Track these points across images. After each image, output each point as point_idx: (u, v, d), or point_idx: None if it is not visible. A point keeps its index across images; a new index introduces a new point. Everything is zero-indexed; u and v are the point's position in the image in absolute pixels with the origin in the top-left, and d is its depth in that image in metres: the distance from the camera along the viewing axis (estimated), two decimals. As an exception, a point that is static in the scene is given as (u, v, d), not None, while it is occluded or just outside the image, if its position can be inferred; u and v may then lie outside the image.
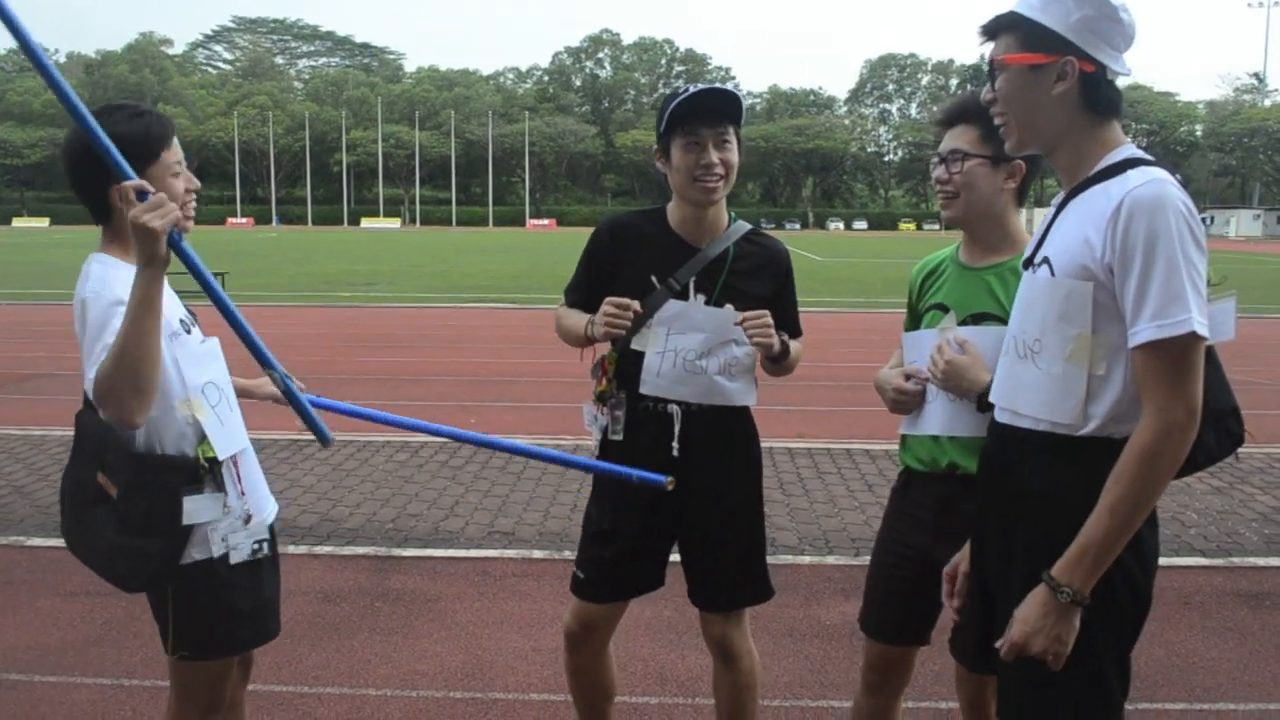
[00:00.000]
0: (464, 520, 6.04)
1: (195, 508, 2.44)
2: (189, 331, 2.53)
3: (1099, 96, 2.04)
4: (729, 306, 2.87)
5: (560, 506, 6.29)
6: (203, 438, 2.46)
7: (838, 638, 4.44)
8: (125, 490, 2.37)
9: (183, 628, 2.55)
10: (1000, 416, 2.20)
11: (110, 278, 2.42)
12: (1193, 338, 1.87)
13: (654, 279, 2.89)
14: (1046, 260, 2.08)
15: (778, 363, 2.94)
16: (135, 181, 2.20)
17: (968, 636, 2.65)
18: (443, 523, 5.98)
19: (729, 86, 2.90)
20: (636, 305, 2.77)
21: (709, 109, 2.81)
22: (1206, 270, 1.95)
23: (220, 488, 2.49)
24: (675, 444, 2.91)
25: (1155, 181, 1.92)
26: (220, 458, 2.48)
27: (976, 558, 2.32)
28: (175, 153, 2.47)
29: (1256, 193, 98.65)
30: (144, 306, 2.19)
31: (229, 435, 2.51)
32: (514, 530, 5.86)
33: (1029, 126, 2.10)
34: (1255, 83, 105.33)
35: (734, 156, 2.85)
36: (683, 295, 2.88)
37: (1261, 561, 5.46)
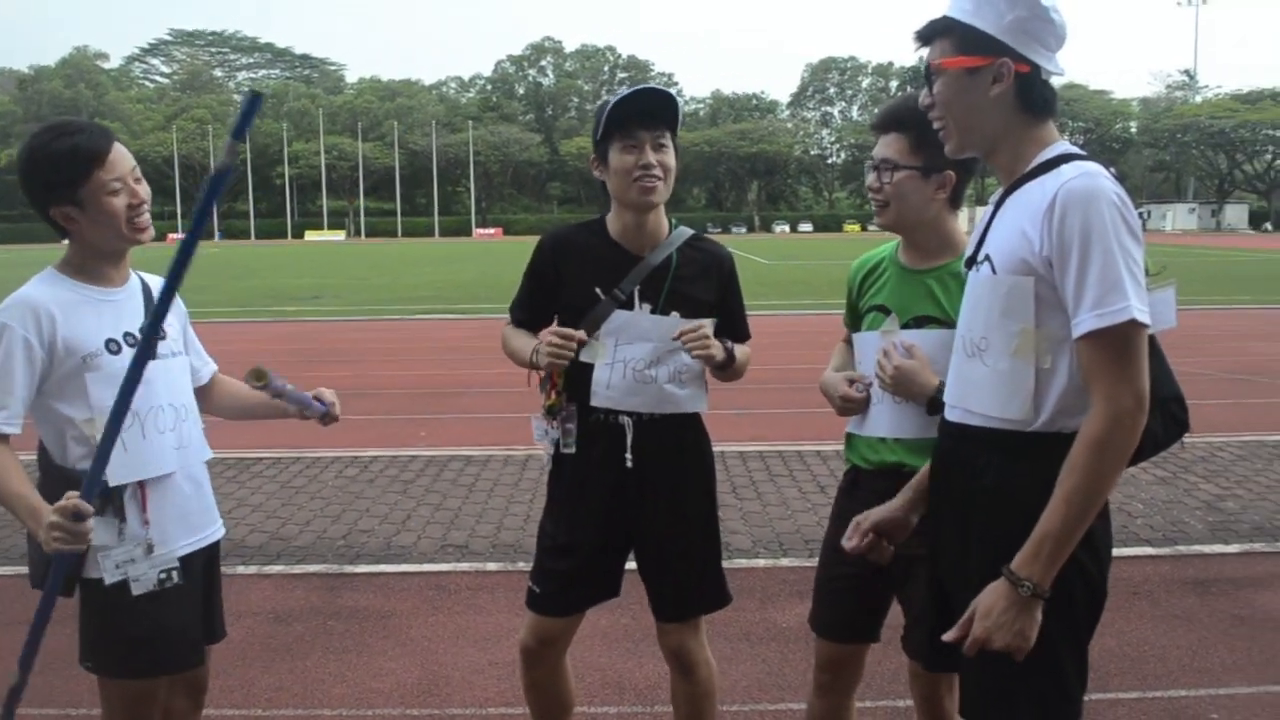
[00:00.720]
0: (416, 535, 5.98)
1: None
2: (116, 352, 2.48)
3: (1034, 96, 2.06)
4: (675, 314, 2.86)
5: (513, 518, 6.25)
6: None
7: (794, 640, 4.45)
8: (39, 489, 2.41)
9: (86, 640, 2.55)
10: (951, 415, 2.21)
11: (27, 299, 2.41)
12: (1133, 325, 1.88)
13: (598, 290, 2.87)
14: (988, 258, 2.10)
15: (724, 369, 2.93)
16: (72, 503, 2.25)
17: (922, 634, 2.66)
18: (394, 538, 5.92)
19: (665, 89, 2.89)
20: (581, 335, 2.75)
21: (644, 111, 2.79)
22: (1144, 260, 1.97)
23: (118, 513, 2.46)
24: (629, 455, 2.89)
25: (1087, 174, 1.94)
26: (111, 484, 2.43)
27: (932, 555, 2.33)
28: (113, 169, 2.41)
29: (1191, 187, 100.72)
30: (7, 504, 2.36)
31: (130, 462, 2.45)
32: (467, 544, 5.81)
33: (968, 129, 2.11)
34: (1187, 79, 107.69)
35: (671, 160, 2.84)
36: (628, 305, 2.86)
37: (1207, 549, 5.56)
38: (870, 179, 2.72)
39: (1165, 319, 2.06)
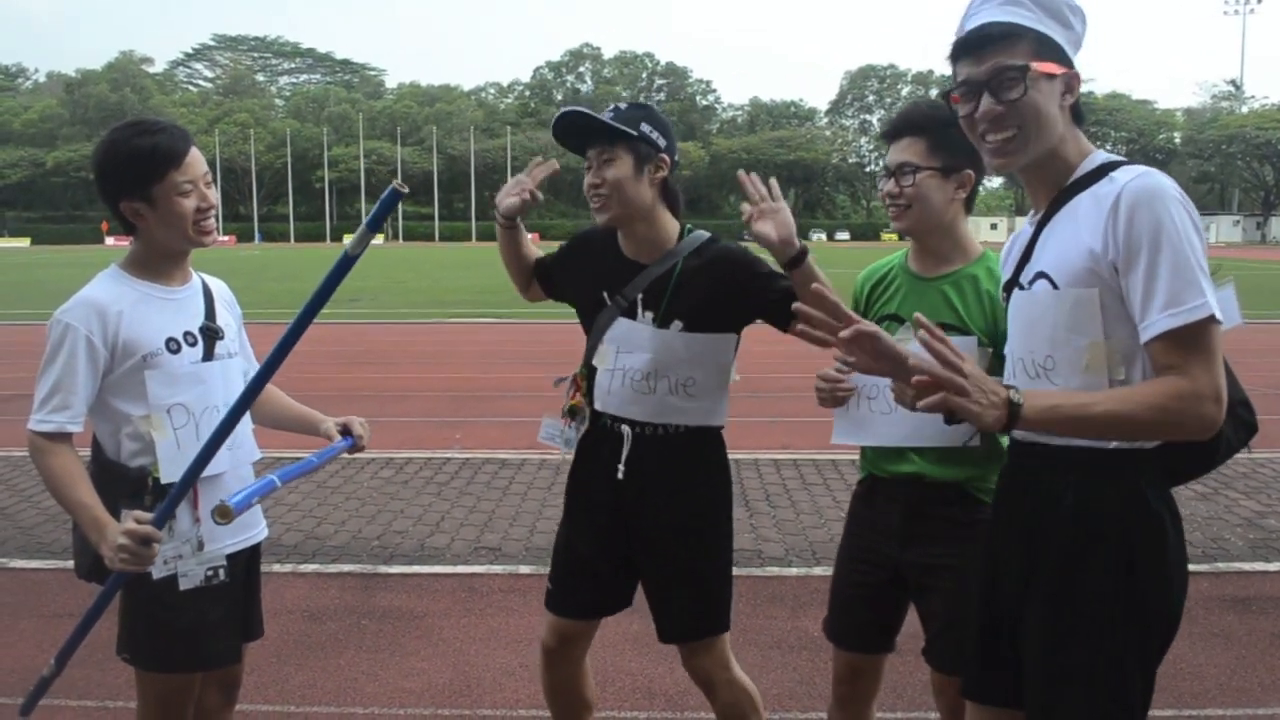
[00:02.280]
0: (450, 536, 6.01)
1: None
2: (176, 351, 2.53)
3: (1079, 106, 2.06)
4: (676, 325, 2.82)
5: (546, 521, 6.27)
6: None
7: (826, 649, 4.39)
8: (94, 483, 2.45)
9: (125, 631, 2.59)
10: (1020, 436, 2.12)
11: (91, 300, 2.44)
12: (1211, 321, 1.85)
13: (605, 295, 2.88)
14: (1043, 275, 2.05)
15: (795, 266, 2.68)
16: (145, 529, 2.31)
17: (946, 645, 2.65)
18: (428, 539, 5.95)
19: (619, 104, 2.85)
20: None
21: (579, 128, 2.80)
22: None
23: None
24: (621, 466, 2.87)
25: (1147, 173, 1.92)
26: (163, 480, 2.48)
27: (987, 580, 2.22)
28: (187, 171, 2.48)
29: (1235, 199, 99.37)
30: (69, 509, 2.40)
31: (184, 460, 2.48)
32: (500, 546, 5.84)
33: (1042, 136, 2.02)
34: (1232, 90, 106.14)
35: (619, 172, 2.76)
36: (630, 313, 2.86)
37: (1247, 566, 5.48)
38: (888, 186, 2.69)
39: (1232, 317, 2.00)
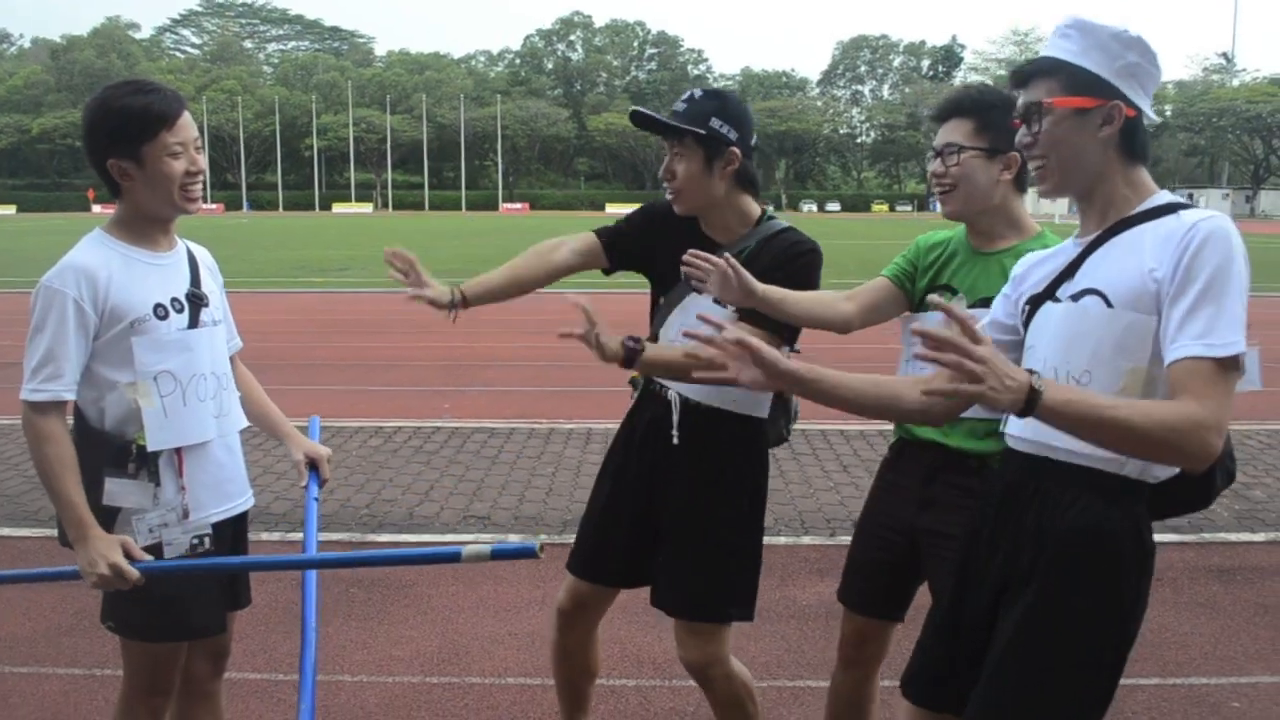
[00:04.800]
0: (439, 505, 6.01)
1: (118, 490, 2.44)
2: (164, 317, 2.50)
3: (1136, 141, 2.07)
4: (730, 308, 2.81)
5: (535, 491, 6.28)
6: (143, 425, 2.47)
7: (813, 618, 4.45)
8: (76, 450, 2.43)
9: (109, 600, 2.57)
10: (1020, 446, 2.14)
11: (79, 264, 2.42)
12: (1236, 362, 1.87)
13: (682, 270, 2.85)
14: (1095, 292, 2.04)
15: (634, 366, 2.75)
16: (134, 577, 2.36)
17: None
18: (417, 508, 5.96)
19: (695, 91, 2.85)
20: None
21: (641, 124, 2.83)
22: None
23: (153, 478, 2.48)
24: (675, 432, 2.88)
25: (1221, 217, 1.94)
26: (150, 449, 2.46)
27: (963, 584, 2.23)
28: (179, 133, 2.43)
29: (1225, 173, 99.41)
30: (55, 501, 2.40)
31: (170, 428, 2.47)
32: (489, 515, 5.84)
33: (1071, 169, 2.08)
34: (1224, 63, 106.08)
35: (689, 169, 2.80)
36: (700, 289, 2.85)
37: (1233, 537, 5.52)
38: (935, 165, 2.70)
39: (1251, 380, 2.02)
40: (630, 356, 2.66)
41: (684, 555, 2.91)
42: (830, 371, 2.11)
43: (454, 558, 2.27)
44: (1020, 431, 2.13)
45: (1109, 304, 2.02)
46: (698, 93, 2.85)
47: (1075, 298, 2.09)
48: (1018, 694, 2.05)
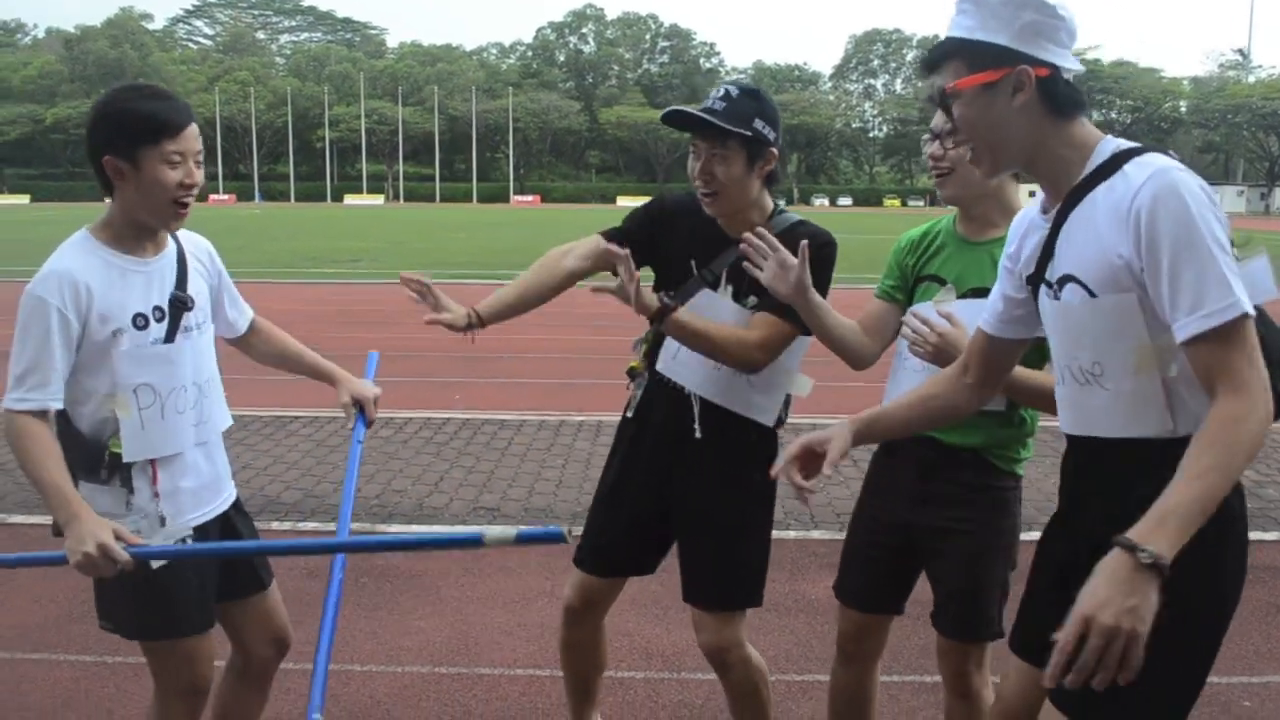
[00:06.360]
0: (448, 496, 6.02)
1: (89, 494, 2.41)
2: (143, 327, 2.46)
3: (1060, 98, 1.97)
4: (750, 301, 2.80)
5: (545, 483, 6.28)
6: (117, 432, 2.45)
7: (823, 612, 4.45)
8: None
9: (101, 602, 2.57)
10: (1077, 432, 2.09)
11: (62, 271, 2.40)
12: (1242, 319, 1.79)
13: (694, 264, 2.84)
14: (1073, 279, 1.99)
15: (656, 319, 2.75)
16: (128, 560, 2.29)
17: (955, 610, 2.65)
18: (427, 499, 5.97)
19: (730, 88, 2.77)
20: None
21: (682, 123, 2.75)
22: (1230, 236, 1.88)
23: (126, 484, 2.47)
24: (697, 426, 2.86)
25: (1157, 174, 1.85)
26: (125, 459, 2.45)
27: (1060, 568, 2.13)
28: (180, 143, 2.41)
29: (1240, 169, 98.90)
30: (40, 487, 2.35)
31: (146, 440, 2.46)
32: (499, 506, 5.85)
33: (999, 146, 2.01)
34: (1240, 59, 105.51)
35: (731, 171, 2.72)
36: (714, 284, 2.84)
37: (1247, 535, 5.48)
38: (932, 148, 2.66)
39: (1266, 289, 1.96)
40: (664, 312, 2.66)
41: (707, 548, 2.92)
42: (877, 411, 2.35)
43: (476, 542, 2.23)
44: (1070, 429, 2.10)
45: (1091, 293, 1.96)
46: (734, 90, 2.77)
47: (1060, 284, 2.03)
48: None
